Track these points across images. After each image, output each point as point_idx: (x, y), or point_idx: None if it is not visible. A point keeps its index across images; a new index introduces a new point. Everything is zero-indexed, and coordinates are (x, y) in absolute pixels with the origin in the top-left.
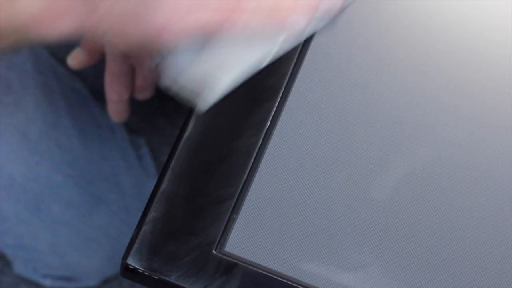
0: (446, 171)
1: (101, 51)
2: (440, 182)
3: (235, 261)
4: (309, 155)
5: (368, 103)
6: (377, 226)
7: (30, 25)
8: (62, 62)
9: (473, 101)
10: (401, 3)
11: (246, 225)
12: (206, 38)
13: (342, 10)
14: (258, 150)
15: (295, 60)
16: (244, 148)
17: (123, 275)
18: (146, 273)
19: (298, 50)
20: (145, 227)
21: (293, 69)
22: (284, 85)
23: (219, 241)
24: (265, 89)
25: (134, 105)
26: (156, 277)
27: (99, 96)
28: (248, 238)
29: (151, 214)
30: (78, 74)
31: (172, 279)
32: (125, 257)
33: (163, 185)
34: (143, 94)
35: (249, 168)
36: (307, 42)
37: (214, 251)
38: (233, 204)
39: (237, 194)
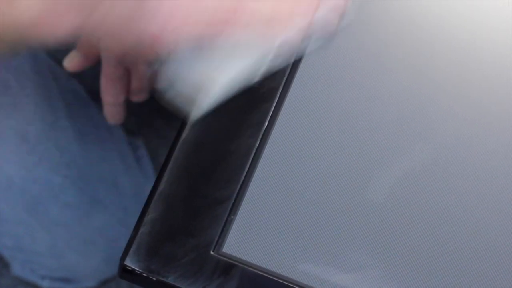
0: (444, 172)
1: (97, 54)
2: (438, 183)
3: (233, 262)
4: (307, 157)
5: (366, 104)
6: (375, 227)
7: (29, 27)
8: (60, 63)
9: (471, 102)
10: (400, 4)
11: (244, 226)
12: (200, 48)
13: (336, 33)
14: (256, 151)
15: (292, 60)
16: (241, 149)
17: (121, 276)
18: (144, 274)
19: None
20: (143, 228)
21: (290, 70)
22: (281, 86)
23: (217, 242)
24: (262, 90)
25: (132, 106)
26: (154, 278)
27: (97, 97)
28: (246, 239)
29: (149, 215)
30: (76, 75)
31: (170, 280)
32: (123, 258)
33: (161, 186)
34: (138, 97)
35: (246, 169)
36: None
37: (212, 252)
38: (231, 205)
39: (234, 195)
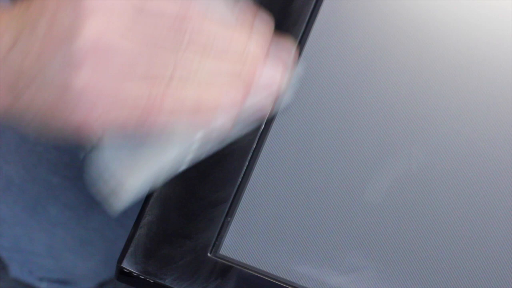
0: (441, 174)
1: None
2: (434, 185)
3: (230, 264)
4: (303, 159)
5: (362, 107)
6: (371, 228)
7: None
8: None
9: (468, 104)
10: (395, 5)
11: (240, 228)
12: (125, 136)
13: (270, 115)
14: (253, 153)
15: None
16: (238, 151)
17: (118, 279)
18: (141, 277)
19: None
20: (140, 231)
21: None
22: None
23: (214, 244)
24: None
25: None
26: (151, 281)
27: None
28: (242, 241)
29: (146, 218)
30: None
31: (167, 282)
32: (120, 260)
33: (158, 189)
34: None
35: (243, 171)
36: (300, 44)
37: (209, 254)
38: (227, 207)
39: (231, 198)
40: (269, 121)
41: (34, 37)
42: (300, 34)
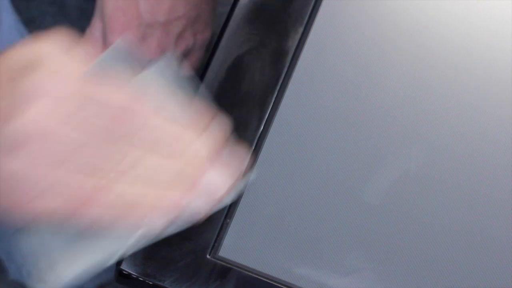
0: (440, 175)
1: None
2: (434, 186)
3: (229, 265)
4: (302, 160)
5: (362, 107)
6: (371, 230)
7: None
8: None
9: (466, 105)
10: (395, 6)
11: (239, 230)
12: (57, 224)
13: (210, 211)
14: (251, 156)
15: (288, 62)
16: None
17: (117, 281)
18: (140, 279)
19: (291, 53)
20: None
21: (286, 72)
22: (276, 90)
23: (213, 246)
24: (258, 94)
25: None
26: (151, 282)
27: None
28: (242, 242)
29: None
30: None
31: (167, 284)
32: (119, 262)
33: None
34: None
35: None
36: (299, 45)
37: (208, 256)
38: (226, 209)
39: None
40: (267, 124)
41: None
42: (300, 34)
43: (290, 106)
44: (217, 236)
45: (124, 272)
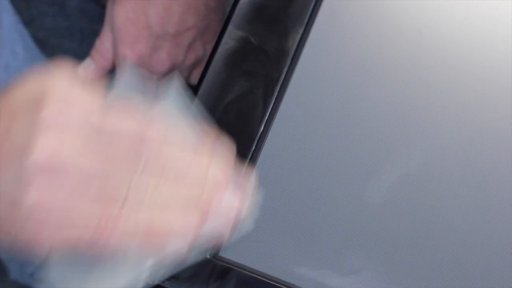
0: (440, 175)
1: (112, 61)
2: (435, 185)
3: (229, 266)
4: (303, 160)
5: (363, 107)
6: (371, 230)
7: None
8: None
9: (468, 105)
10: (395, 6)
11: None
12: (78, 255)
13: (232, 234)
14: (252, 155)
15: (288, 62)
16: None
17: None
18: None
19: (291, 54)
20: None
21: (287, 72)
22: (276, 90)
23: (214, 246)
24: (259, 94)
25: None
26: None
27: None
28: (242, 243)
29: None
30: None
31: (166, 284)
32: None
33: None
34: None
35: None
36: (300, 45)
37: (208, 256)
38: None
39: None
40: (268, 123)
41: None
42: (300, 34)
43: (290, 106)
44: None
45: None
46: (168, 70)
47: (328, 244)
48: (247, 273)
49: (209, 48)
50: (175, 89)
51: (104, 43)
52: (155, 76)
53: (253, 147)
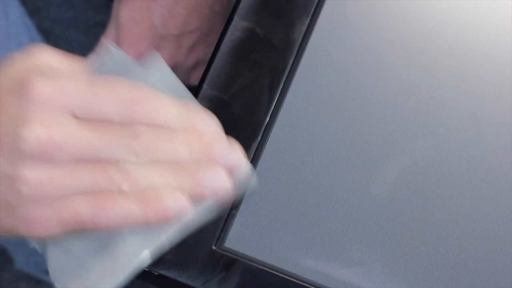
0: (447, 167)
1: None
2: (441, 178)
3: (235, 256)
4: (308, 151)
5: (369, 98)
6: (377, 222)
7: None
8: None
9: (474, 97)
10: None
11: (245, 221)
12: (83, 234)
13: (236, 188)
14: (257, 146)
15: (294, 53)
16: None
17: None
18: (146, 269)
19: (297, 45)
20: None
21: (292, 63)
22: (282, 82)
23: (219, 237)
24: (264, 85)
25: None
26: (156, 273)
27: None
28: (247, 234)
29: None
30: None
31: (172, 274)
32: None
33: None
34: None
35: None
36: (306, 36)
37: (213, 247)
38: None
39: None
40: (273, 116)
41: None
42: (306, 25)
43: (296, 97)
44: (223, 227)
45: None
46: None
47: (334, 235)
48: (253, 264)
49: (211, 51)
50: (159, 66)
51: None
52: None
53: (259, 138)
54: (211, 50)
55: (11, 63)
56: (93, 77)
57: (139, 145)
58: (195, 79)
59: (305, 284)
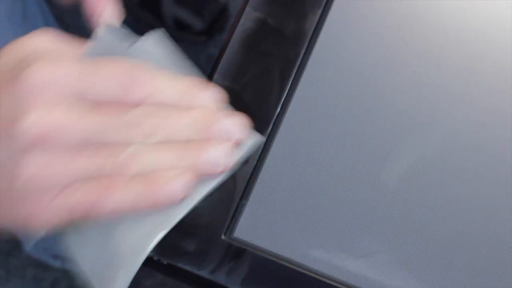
0: (458, 158)
1: None
2: (451, 169)
3: (244, 246)
4: (319, 141)
5: (380, 88)
6: (387, 213)
7: None
8: None
9: (485, 88)
10: None
11: (255, 211)
12: (86, 220)
13: (226, 172)
14: (268, 137)
15: (306, 44)
16: None
17: None
18: (155, 258)
19: (309, 36)
20: None
21: (304, 54)
22: (294, 72)
23: (228, 226)
24: (276, 75)
25: None
26: (164, 262)
27: None
28: (257, 224)
29: None
30: None
31: (180, 264)
32: None
33: None
34: None
35: (258, 155)
36: (318, 27)
37: (223, 237)
38: (242, 190)
39: (246, 180)
40: (284, 107)
41: None
42: (318, 16)
43: (307, 88)
44: (232, 216)
45: None
46: None
47: (344, 226)
48: (261, 254)
49: None
50: (160, 40)
51: None
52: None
53: (270, 129)
54: None
55: (8, 49)
56: (92, 58)
57: (142, 127)
58: None
59: (314, 275)
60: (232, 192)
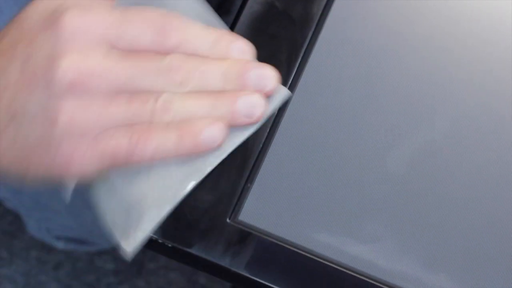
0: (465, 144)
1: None
2: (458, 155)
3: (249, 230)
4: (325, 126)
5: (387, 74)
6: (393, 198)
7: None
8: None
9: (493, 73)
10: None
11: (260, 195)
12: (121, 167)
13: (262, 118)
14: (274, 121)
15: (314, 26)
16: None
17: None
18: (160, 241)
19: (316, 20)
20: None
21: (311, 37)
22: (301, 56)
23: (233, 210)
24: (281, 60)
25: None
26: (170, 245)
27: None
28: (262, 207)
29: None
30: None
31: (186, 247)
32: None
33: None
34: None
35: (264, 137)
36: (325, 11)
37: (228, 220)
38: (248, 173)
39: (252, 163)
40: (291, 88)
41: (11, 71)
42: (325, 1)
43: (314, 71)
44: (238, 200)
45: None
46: None
47: (350, 211)
48: (266, 238)
49: None
50: None
51: None
52: None
53: (275, 115)
54: None
55: (37, 1)
56: (124, 8)
57: (175, 75)
58: None
59: (319, 259)
60: (238, 176)
